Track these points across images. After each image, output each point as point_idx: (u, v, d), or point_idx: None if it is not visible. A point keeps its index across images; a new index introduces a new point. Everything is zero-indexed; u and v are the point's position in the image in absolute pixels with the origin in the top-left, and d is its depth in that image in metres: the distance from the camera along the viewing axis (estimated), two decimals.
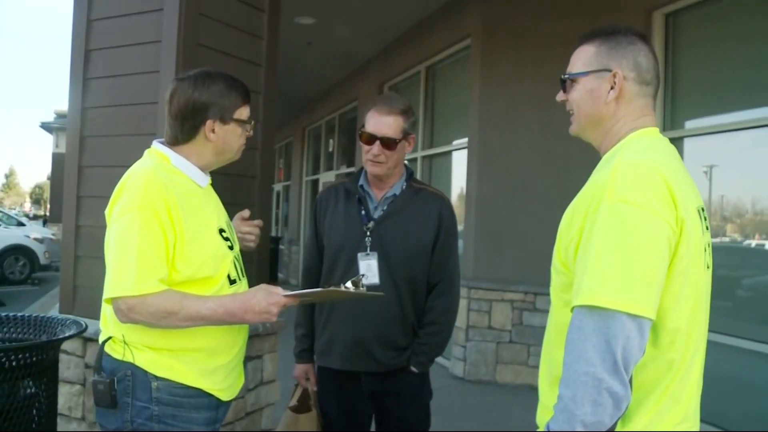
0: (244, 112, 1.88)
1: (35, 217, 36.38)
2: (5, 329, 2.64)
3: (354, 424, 2.41)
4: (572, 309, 1.17)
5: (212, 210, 1.86)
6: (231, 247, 1.86)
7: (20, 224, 15.52)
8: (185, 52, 2.80)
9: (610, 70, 1.37)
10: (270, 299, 1.72)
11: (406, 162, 2.50)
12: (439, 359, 6.59)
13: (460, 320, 5.95)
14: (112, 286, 1.63)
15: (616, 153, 1.33)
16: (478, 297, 5.83)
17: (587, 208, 1.22)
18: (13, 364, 2.22)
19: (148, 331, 1.70)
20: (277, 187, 16.94)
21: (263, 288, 1.75)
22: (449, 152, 7.00)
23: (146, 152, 1.85)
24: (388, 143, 2.28)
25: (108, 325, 1.78)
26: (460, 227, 6.74)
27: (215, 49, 2.99)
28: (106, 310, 1.77)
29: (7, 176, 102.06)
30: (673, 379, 1.21)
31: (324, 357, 2.41)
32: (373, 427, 2.46)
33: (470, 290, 5.84)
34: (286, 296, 1.74)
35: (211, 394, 1.79)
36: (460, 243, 6.63)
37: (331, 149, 11.82)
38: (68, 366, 3.00)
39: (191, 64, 2.73)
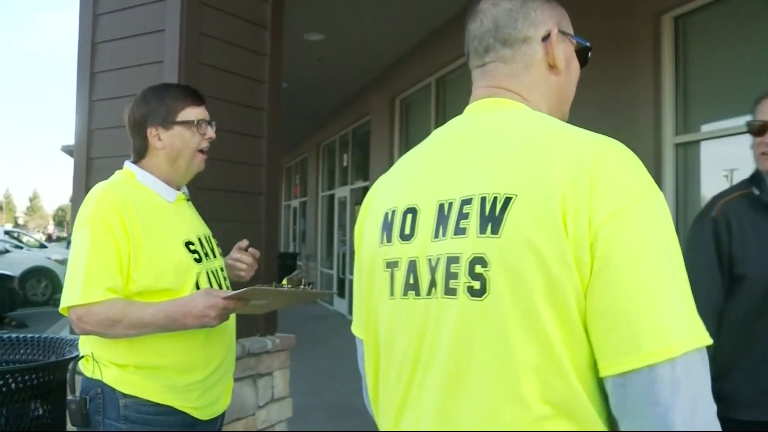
0: (190, 114, 1.85)
1: (59, 239, 36.88)
2: (17, 351, 2.66)
3: None
4: None
5: (181, 224, 1.86)
6: (198, 260, 1.82)
7: (42, 246, 15.75)
8: (187, 72, 2.82)
9: None
10: (208, 302, 1.64)
11: None
12: None
13: None
14: (64, 297, 1.67)
15: None
16: None
17: None
18: (20, 385, 2.23)
19: (114, 346, 1.70)
20: (294, 203, 17.02)
21: (203, 291, 1.70)
22: None
23: (117, 171, 1.91)
24: None
25: (84, 342, 1.81)
26: None
27: (217, 67, 3.01)
28: None
29: (31, 199, 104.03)
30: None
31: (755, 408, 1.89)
32: None
33: None
34: (225, 298, 1.65)
35: (185, 412, 1.75)
36: None
37: (345, 164, 11.85)
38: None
39: (193, 83, 2.74)
